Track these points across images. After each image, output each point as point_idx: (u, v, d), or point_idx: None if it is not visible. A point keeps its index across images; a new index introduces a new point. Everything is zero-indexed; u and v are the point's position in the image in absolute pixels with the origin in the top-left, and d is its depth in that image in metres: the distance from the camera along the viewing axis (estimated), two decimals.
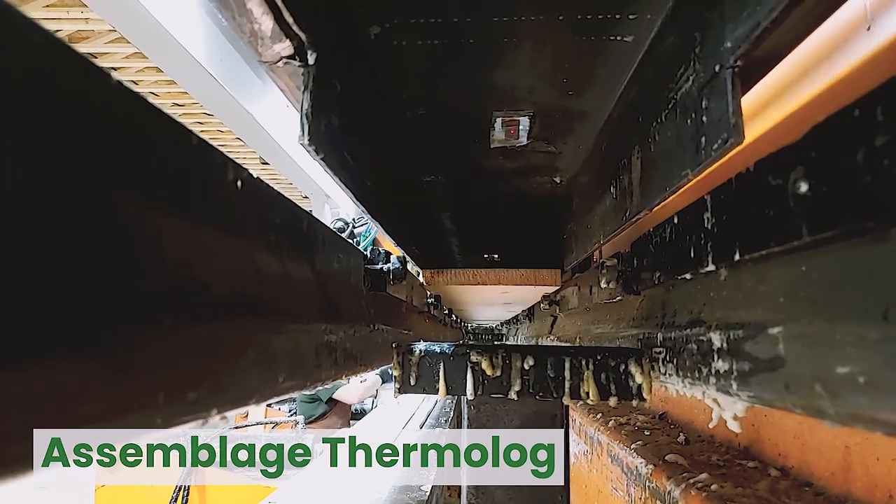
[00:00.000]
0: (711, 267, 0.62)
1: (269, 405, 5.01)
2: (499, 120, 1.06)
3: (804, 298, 0.47)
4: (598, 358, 0.84)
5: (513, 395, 0.84)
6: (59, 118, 0.26)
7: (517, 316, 3.26)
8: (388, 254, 1.01)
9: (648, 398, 0.84)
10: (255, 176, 0.49)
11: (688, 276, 0.70)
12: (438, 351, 0.86)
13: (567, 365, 0.83)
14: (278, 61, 0.56)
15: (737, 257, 0.55)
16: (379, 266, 0.98)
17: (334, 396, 5.27)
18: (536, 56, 0.84)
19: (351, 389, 5.31)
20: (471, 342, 1.00)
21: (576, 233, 1.41)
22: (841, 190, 0.39)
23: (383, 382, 6.08)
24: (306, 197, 5.74)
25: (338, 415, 5.24)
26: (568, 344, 1.48)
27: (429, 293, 1.99)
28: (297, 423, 4.14)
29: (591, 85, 0.92)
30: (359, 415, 5.60)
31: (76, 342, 0.27)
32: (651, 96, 0.78)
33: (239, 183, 0.45)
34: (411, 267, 1.63)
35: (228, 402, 0.38)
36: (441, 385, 0.85)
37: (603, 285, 0.98)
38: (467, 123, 1.08)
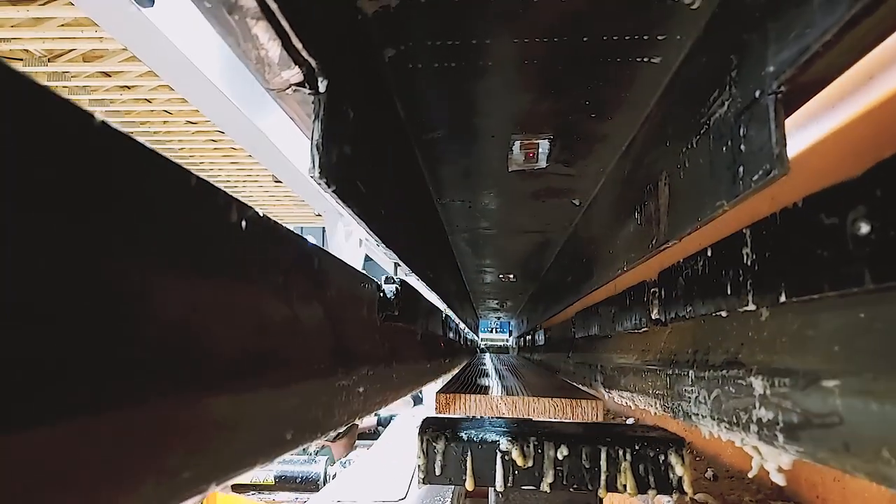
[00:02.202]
0: (752, 306, 0.58)
1: None
2: (517, 143, 1.02)
3: (865, 350, 0.42)
4: (637, 448, 0.80)
5: (545, 488, 0.80)
6: (32, 160, 0.23)
7: (533, 338, 3.21)
8: (402, 282, 0.97)
9: (689, 492, 0.80)
10: (261, 214, 0.45)
11: (724, 313, 0.66)
12: (466, 439, 0.82)
13: (603, 455, 0.79)
14: (287, 88, 0.53)
15: (783, 299, 0.51)
16: (393, 296, 0.94)
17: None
18: (557, 78, 0.80)
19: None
20: (500, 426, 0.94)
21: (596, 259, 1.37)
22: None
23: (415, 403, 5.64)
24: (319, 214, 5.73)
25: (344, 440, 4.87)
26: (602, 422, 1.42)
27: (444, 315, 1.95)
28: (306, 448, 4.09)
29: (614, 108, 0.88)
30: (371, 435, 5.44)
31: (42, 420, 0.23)
32: (680, 120, 0.74)
33: (244, 223, 0.42)
34: (424, 288, 1.59)
35: (227, 471, 0.34)
36: (468, 476, 0.80)
37: (628, 313, 0.93)
38: (485, 147, 1.04)
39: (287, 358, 0.47)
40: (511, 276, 2.57)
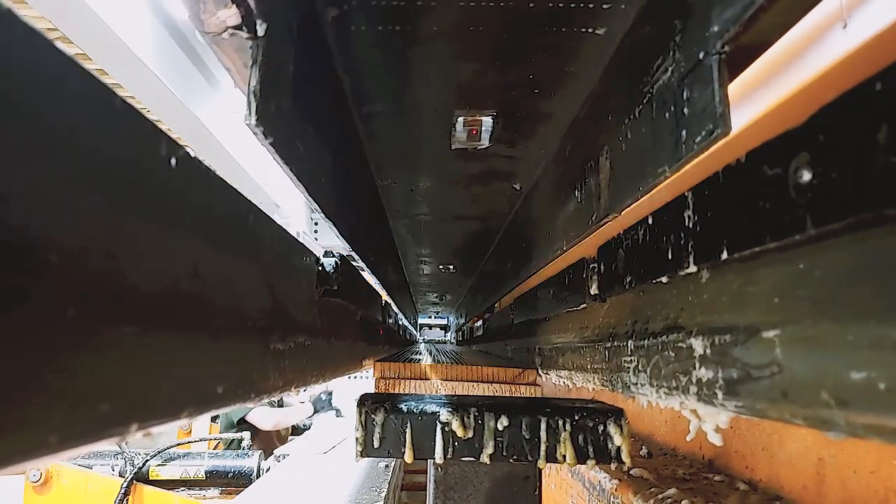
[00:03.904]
0: (693, 268, 0.58)
1: (213, 421, 4.83)
2: (461, 119, 1.01)
3: (805, 298, 0.43)
4: (576, 418, 0.81)
5: (485, 459, 0.79)
6: None
7: (472, 329, 3.22)
8: (342, 257, 0.95)
9: (628, 462, 0.81)
10: (192, 155, 0.42)
11: (664, 279, 0.66)
12: (405, 410, 0.80)
13: (543, 425, 0.79)
14: (223, 32, 0.50)
15: (724, 256, 0.51)
16: (333, 270, 0.92)
17: (246, 419, 4.81)
18: (502, 49, 0.79)
19: (264, 413, 4.88)
20: (440, 399, 0.91)
21: (536, 242, 1.37)
22: (854, 175, 0.35)
23: (315, 412, 5.62)
24: None
25: (258, 445, 4.38)
26: (541, 396, 1.42)
27: (384, 301, 1.93)
28: (243, 439, 3.98)
29: (558, 83, 0.88)
30: (300, 430, 5.33)
31: None
32: (623, 92, 0.74)
33: (173, 161, 0.39)
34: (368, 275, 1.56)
35: (152, 414, 0.32)
36: (408, 449, 0.79)
37: (567, 292, 0.94)
38: (428, 122, 1.03)
39: (220, 309, 0.45)
40: (451, 266, 2.56)
